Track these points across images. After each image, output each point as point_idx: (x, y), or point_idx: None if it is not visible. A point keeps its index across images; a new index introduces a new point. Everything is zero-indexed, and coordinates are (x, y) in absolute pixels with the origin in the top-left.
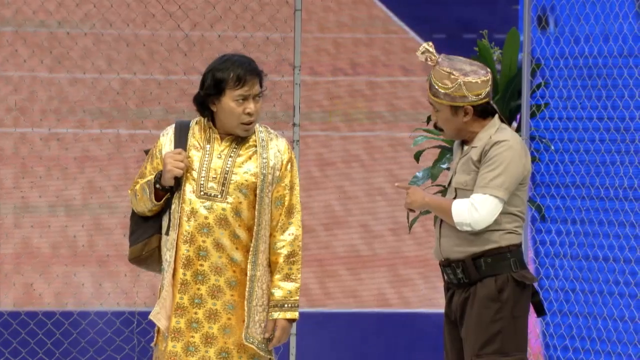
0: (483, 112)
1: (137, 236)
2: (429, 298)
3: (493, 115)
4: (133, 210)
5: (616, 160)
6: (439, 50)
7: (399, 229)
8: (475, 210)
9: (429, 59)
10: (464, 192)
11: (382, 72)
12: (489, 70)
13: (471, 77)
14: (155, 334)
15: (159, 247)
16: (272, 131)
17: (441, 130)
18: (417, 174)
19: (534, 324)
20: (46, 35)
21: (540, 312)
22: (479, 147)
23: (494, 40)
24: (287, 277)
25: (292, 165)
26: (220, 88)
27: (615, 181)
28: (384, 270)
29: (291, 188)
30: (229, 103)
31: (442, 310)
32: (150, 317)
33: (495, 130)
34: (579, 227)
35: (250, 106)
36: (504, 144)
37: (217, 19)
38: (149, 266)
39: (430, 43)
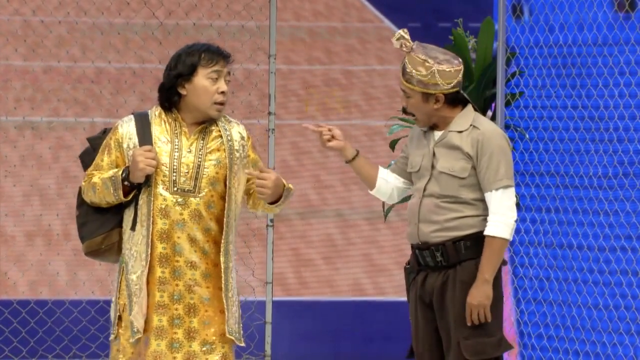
0: (453, 100)
1: (94, 229)
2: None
3: (463, 103)
4: (81, 201)
5: (590, 149)
6: (415, 38)
7: (375, 217)
8: (502, 214)
9: (403, 46)
10: (450, 177)
11: (358, 61)
12: (460, 60)
13: (445, 66)
14: (115, 326)
15: (119, 241)
16: (231, 119)
17: (412, 115)
18: (392, 162)
19: (509, 311)
20: (20, 23)
21: None
22: (465, 136)
23: (469, 29)
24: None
25: (253, 147)
26: (193, 68)
27: (590, 170)
28: (359, 259)
29: (256, 162)
30: (203, 82)
31: None
32: (130, 318)
33: (473, 118)
34: (553, 216)
35: (223, 85)
36: (495, 134)
37: (192, 7)
38: (105, 258)
39: (406, 30)
